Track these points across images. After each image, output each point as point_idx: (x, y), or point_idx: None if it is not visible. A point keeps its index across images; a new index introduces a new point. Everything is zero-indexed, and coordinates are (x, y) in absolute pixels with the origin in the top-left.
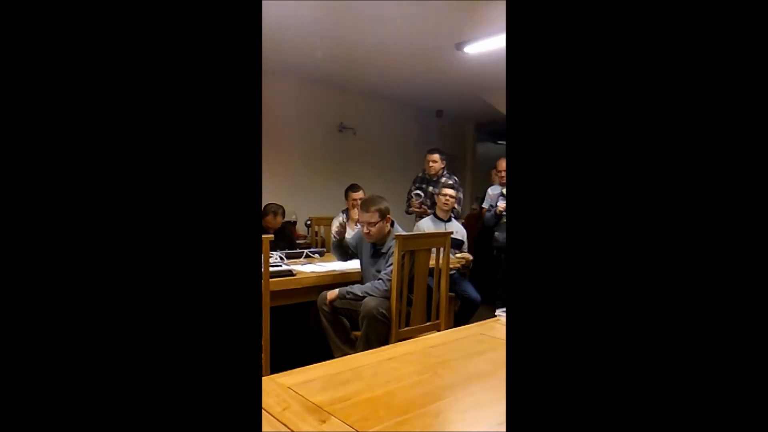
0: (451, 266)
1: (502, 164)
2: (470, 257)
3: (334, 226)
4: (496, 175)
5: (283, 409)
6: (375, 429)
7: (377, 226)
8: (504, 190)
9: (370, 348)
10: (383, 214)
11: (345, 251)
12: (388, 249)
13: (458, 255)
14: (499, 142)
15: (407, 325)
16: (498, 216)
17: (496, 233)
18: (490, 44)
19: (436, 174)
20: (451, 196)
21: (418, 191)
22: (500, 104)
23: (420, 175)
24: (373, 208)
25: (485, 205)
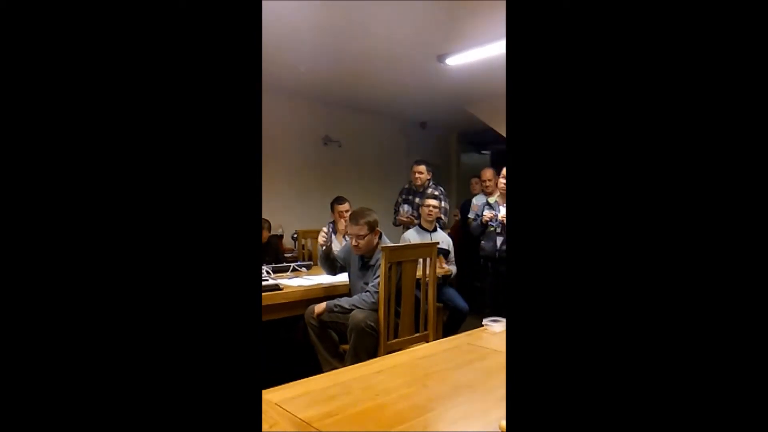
0: (447, 272)
1: (486, 173)
2: (449, 270)
3: (321, 238)
4: (477, 184)
5: (271, 426)
6: None
7: (366, 238)
8: (489, 200)
9: (359, 361)
10: (372, 227)
11: (333, 264)
12: (376, 261)
13: (439, 266)
14: (483, 151)
15: (396, 336)
16: (484, 225)
17: (482, 242)
18: (471, 56)
19: (422, 185)
20: (434, 207)
21: (406, 204)
22: (483, 114)
23: (407, 186)
24: (362, 221)
25: (471, 215)
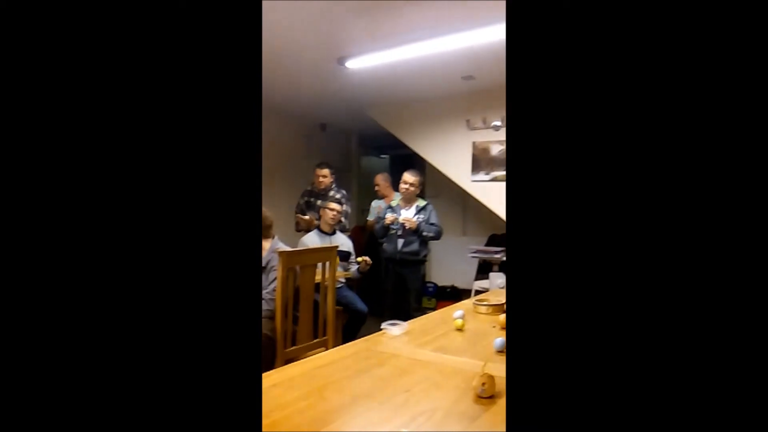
0: (347, 275)
1: (377, 178)
2: (369, 260)
3: None
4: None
5: None
6: None
7: None
8: (392, 203)
9: None
10: None
11: None
12: (267, 263)
13: (359, 258)
14: (382, 155)
15: (294, 344)
16: (386, 228)
17: (384, 244)
18: (371, 59)
19: (325, 188)
20: (337, 212)
21: (308, 206)
22: (382, 119)
23: (309, 188)
24: None
25: (370, 218)
